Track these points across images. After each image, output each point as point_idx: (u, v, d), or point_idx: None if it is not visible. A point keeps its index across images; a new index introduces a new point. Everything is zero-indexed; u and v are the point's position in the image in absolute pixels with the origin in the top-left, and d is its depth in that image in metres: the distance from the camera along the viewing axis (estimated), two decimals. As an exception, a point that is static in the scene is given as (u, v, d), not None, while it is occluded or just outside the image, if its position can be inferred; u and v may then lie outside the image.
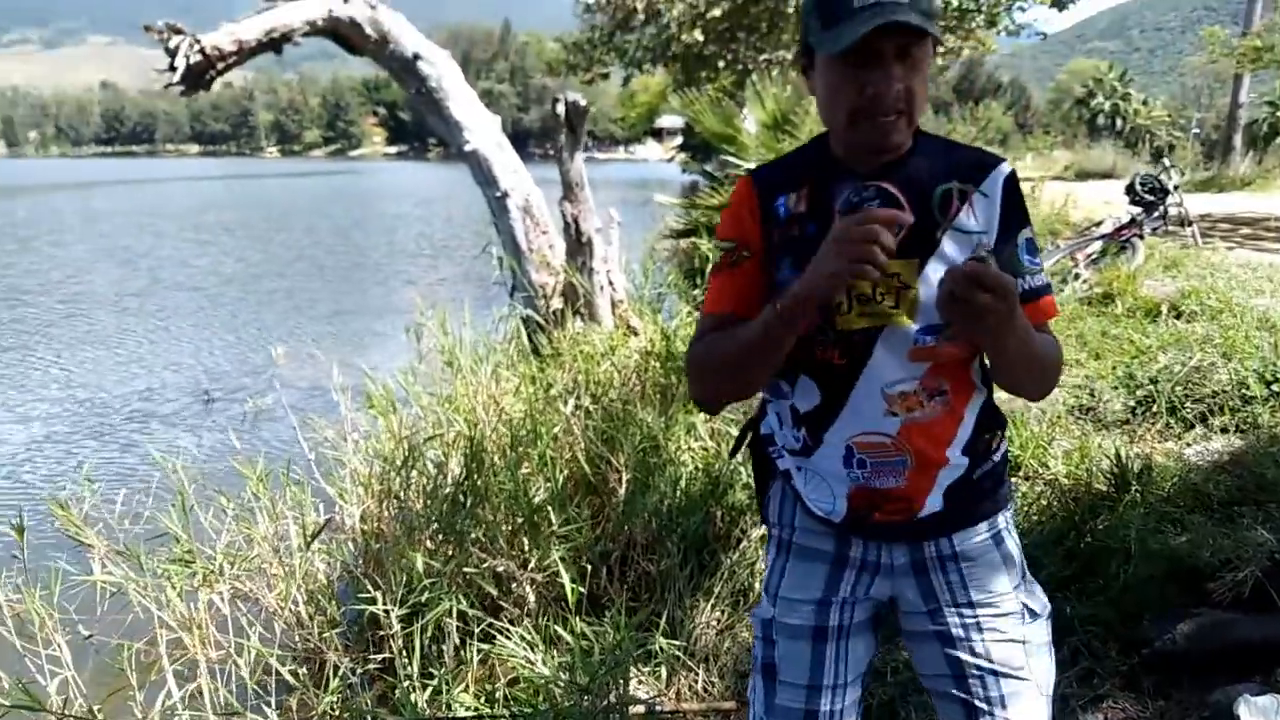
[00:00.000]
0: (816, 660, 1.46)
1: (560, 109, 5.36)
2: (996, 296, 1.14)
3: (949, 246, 1.30)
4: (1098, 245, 7.95)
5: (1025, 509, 3.58)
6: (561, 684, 2.46)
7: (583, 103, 5.39)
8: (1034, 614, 1.47)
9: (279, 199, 38.05)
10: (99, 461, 5.81)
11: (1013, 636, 1.43)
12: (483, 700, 2.62)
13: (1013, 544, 1.48)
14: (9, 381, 8.14)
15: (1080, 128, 45.43)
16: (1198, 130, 38.60)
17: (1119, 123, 44.25)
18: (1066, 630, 2.74)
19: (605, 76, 15.66)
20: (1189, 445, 4.09)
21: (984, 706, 1.41)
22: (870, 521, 1.40)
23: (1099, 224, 8.63)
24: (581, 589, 3.02)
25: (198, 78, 5.18)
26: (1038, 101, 73.08)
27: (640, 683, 2.69)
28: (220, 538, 3.60)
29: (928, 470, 1.37)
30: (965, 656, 1.42)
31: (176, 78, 4.96)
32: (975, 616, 1.43)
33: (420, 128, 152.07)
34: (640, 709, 2.48)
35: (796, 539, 1.51)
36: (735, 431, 3.80)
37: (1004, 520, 1.48)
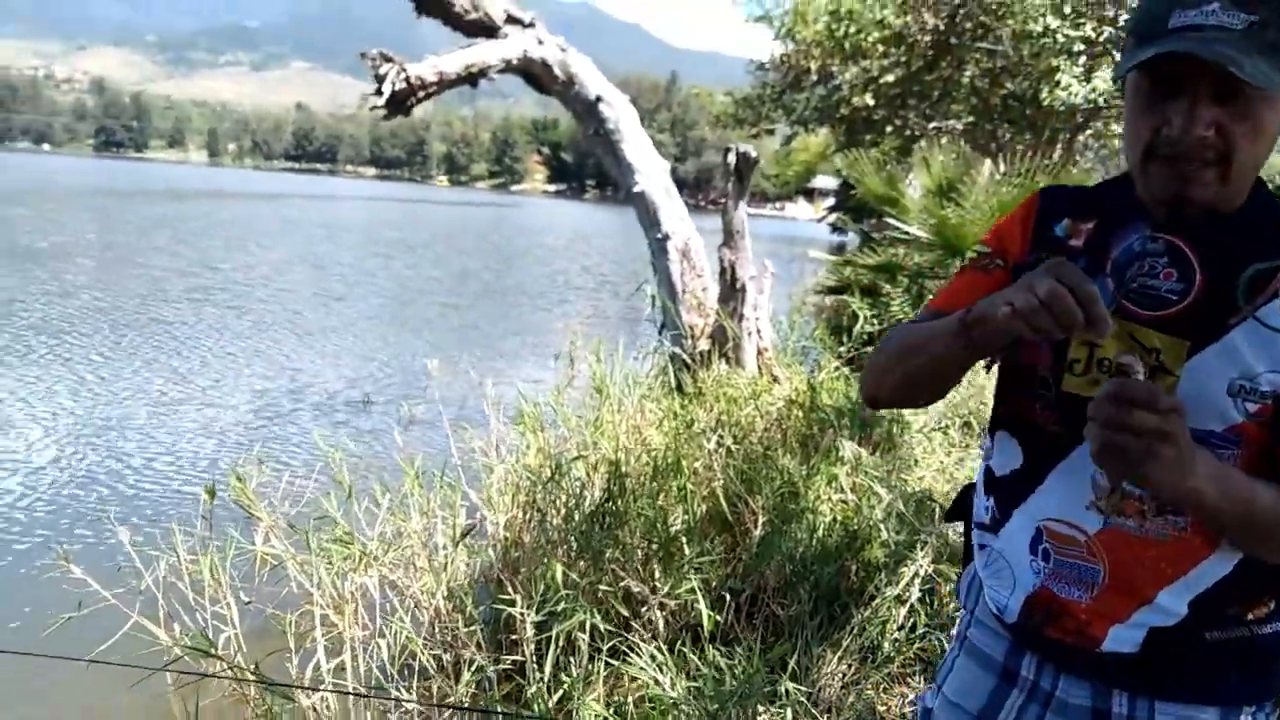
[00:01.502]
0: None
1: (731, 158, 5.52)
2: (1152, 427, 0.87)
3: (1240, 340, 1.00)
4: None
5: None
6: (689, 708, 2.51)
7: (753, 154, 5.53)
8: None
9: (450, 224, 40.20)
10: (267, 446, 6.27)
11: None
12: (612, 712, 2.69)
13: None
14: (203, 368, 8.92)
15: None
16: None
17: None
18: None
19: (770, 133, 15.90)
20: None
21: None
22: (1043, 635, 1.14)
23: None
24: (717, 617, 3.07)
25: (400, 103, 5.61)
26: None
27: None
28: (374, 527, 3.85)
29: (1124, 598, 1.08)
30: None
31: (382, 101, 5.39)
32: None
33: (580, 169, 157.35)
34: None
35: (972, 633, 1.28)
36: (880, 489, 3.78)
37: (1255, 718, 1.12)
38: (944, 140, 10.57)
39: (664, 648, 2.92)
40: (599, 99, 6.16)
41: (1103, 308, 0.89)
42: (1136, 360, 0.94)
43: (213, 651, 2.85)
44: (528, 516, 3.90)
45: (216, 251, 20.23)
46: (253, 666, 3.10)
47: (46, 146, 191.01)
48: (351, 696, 2.89)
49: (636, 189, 6.32)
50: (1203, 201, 1.02)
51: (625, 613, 3.26)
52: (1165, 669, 1.08)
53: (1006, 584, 1.17)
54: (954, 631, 1.34)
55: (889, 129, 14.49)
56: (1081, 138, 14.49)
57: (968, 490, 1.36)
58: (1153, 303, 1.03)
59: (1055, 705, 1.15)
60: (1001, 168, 9.20)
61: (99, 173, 71.87)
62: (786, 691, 2.82)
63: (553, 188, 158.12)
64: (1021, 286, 0.94)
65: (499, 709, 2.68)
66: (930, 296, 1.29)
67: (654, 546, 3.52)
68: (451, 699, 2.94)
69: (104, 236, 22.24)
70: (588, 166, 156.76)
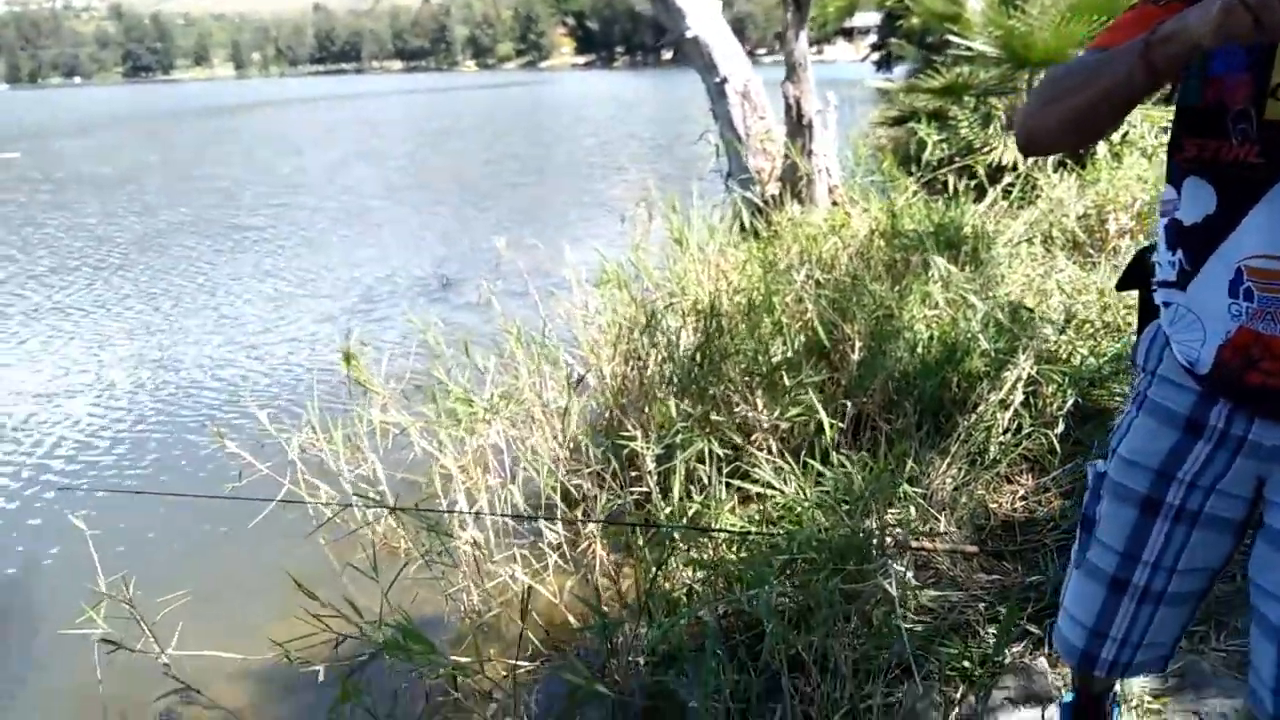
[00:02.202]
0: (1139, 531, 1.27)
1: (787, -13, 5.32)
2: None
3: None
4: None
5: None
6: (823, 509, 2.66)
7: (810, -21, 5.32)
8: None
9: (488, 108, 39.81)
10: (365, 329, 6.51)
11: None
12: (746, 522, 2.86)
13: None
14: (292, 268, 9.24)
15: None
16: None
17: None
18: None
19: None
20: None
21: None
22: (1243, 382, 1.12)
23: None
24: (839, 424, 3.20)
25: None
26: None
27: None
28: (484, 390, 4.03)
29: None
30: None
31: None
32: None
33: (608, 37, 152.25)
34: (891, 538, 2.64)
35: (1152, 391, 1.27)
36: (975, 300, 3.81)
37: None
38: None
39: (789, 458, 3.06)
40: (642, -57, 5.94)
41: None
42: None
43: (380, 502, 3.10)
44: (629, 365, 4.03)
45: (273, 160, 20.69)
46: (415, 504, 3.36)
47: (78, 79, 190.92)
48: (500, 530, 3.12)
49: (689, 34, 6.16)
50: None
51: (738, 440, 3.40)
52: None
53: (1197, 336, 1.15)
54: (1130, 396, 1.32)
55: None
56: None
57: (1141, 255, 1.36)
58: None
59: (1248, 449, 1.17)
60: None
61: (135, 99, 72.04)
62: (905, 494, 2.95)
63: (582, 59, 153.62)
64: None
65: (659, 522, 2.86)
66: (1090, 40, 1.24)
67: (756, 378, 3.63)
68: (590, 527, 3.15)
69: (165, 156, 22.71)
70: (615, 33, 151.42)
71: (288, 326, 7.09)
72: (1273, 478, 1.18)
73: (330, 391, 4.62)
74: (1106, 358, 3.63)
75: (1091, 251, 5.28)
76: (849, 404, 3.52)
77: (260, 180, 16.94)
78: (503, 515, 3.07)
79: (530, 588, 2.76)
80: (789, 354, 3.76)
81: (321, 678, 2.65)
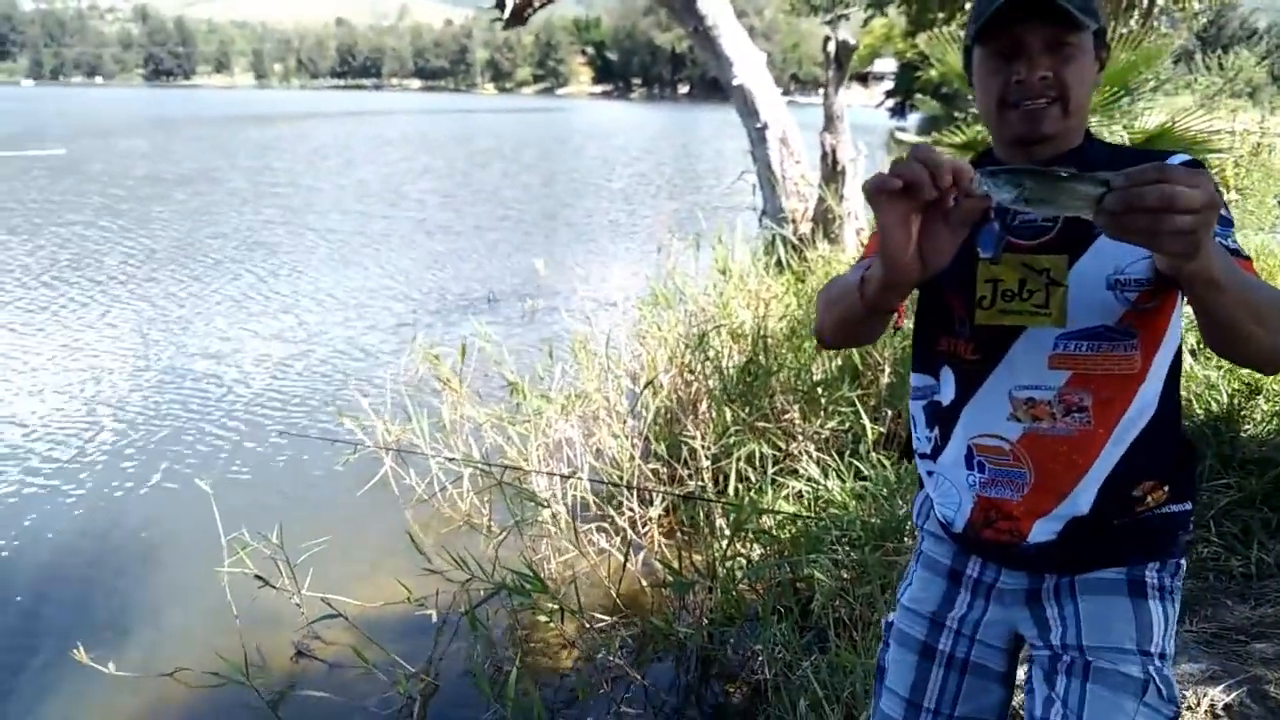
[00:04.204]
0: (920, 677, 1.41)
1: (830, 47, 5.88)
2: (1186, 197, 0.87)
3: (1106, 241, 1.10)
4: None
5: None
6: (862, 500, 3.15)
7: (852, 41, 5.89)
8: (1157, 698, 1.22)
9: (517, 131, 40.65)
10: (432, 336, 7.01)
11: (1118, 705, 1.21)
12: (798, 509, 3.35)
13: (1158, 609, 1.28)
14: (350, 282, 9.79)
15: (1357, 81, 40.48)
16: None
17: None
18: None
19: (846, 18, 15.84)
20: None
21: None
22: (982, 538, 1.31)
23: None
24: (880, 428, 3.68)
25: (518, 14, 6.07)
26: (1305, 49, 65.05)
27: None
28: (554, 389, 4.53)
29: (1048, 494, 1.25)
30: (1055, 708, 1.24)
31: (506, 14, 5.85)
32: (1077, 660, 1.26)
33: (626, 68, 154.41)
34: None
35: (925, 545, 1.47)
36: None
37: (1154, 576, 1.29)
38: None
39: (832, 456, 3.56)
40: (697, -3, 6.52)
41: (950, 171, 0.99)
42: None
43: (476, 461, 3.58)
44: (683, 377, 4.53)
45: (331, 170, 21.57)
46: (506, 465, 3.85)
47: (99, 79, 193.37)
48: (576, 510, 3.60)
49: (736, 81, 6.73)
50: (1052, 132, 1.22)
51: (782, 445, 3.89)
52: (1081, 550, 1.26)
53: (952, 500, 1.33)
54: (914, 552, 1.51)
55: (968, 4, 14.29)
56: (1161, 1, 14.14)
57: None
58: (1033, 233, 1.23)
59: (996, 594, 1.35)
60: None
61: (160, 102, 73.06)
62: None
63: (599, 89, 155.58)
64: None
65: (730, 500, 3.34)
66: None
67: (799, 393, 4.13)
68: (652, 513, 3.64)
69: (229, 161, 23.49)
70: (633, 64, 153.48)
71: (357, 332, 7.59)
72: (1022, 624, 1.35)
73: (408, 390, 5.12)
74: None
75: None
76: (887, 411, 4.02)
77: (321, 189, 17.96)
78: (599, 482, 3.55)
79: (622, 552, 3.25)
80: (828, 375, 4.28)
81: (434, 619, 3.13)
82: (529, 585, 2.68)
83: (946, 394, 1.32)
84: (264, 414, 5.64)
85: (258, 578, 3.09)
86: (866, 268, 1.15)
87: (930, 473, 1.38)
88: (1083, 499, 1.24)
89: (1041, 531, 1.25)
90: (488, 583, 2.83)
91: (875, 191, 1.00)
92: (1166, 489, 1.27)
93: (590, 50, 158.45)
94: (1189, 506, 1.31)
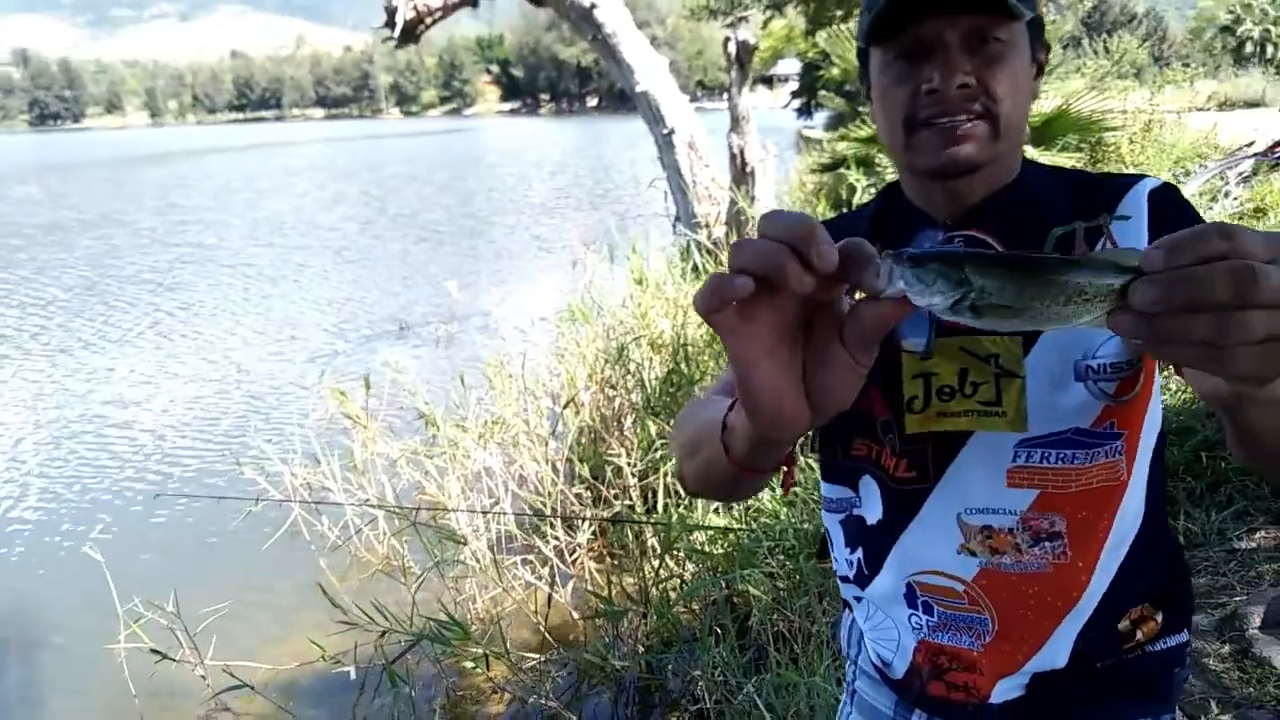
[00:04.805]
0: None
1: (731, 47, 5.84)
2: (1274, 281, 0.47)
3: None
4: (1249, 164, 7.94)
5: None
6: (793, 507, 3.05)
7: (751, 41, 5.85)
8: None
9: (424, 155, 40.16)
10: (333, 374, 6.74)
11: None
12: (725, 522, 3.23)
13: None
14: (265, 318, 9.41)
15: (1225, 57, 42.89)
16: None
17: (1270, 49, 41.59)
18: (1224, 478, 3.17)
19: (745, 20, 15.96)
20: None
21: None
22: (929, 693, 1.01)
23: (1250, 144, 8.57)
24: (805, 436, 3.58)
25: (410, 32, 5.88)
26: (1176, 32, 68.63)
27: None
28: (470, 417, 4.34)
29: (1016, 645, 0.96)
30: None
31: (396, 33, 5.66)
32: None
33: (532, 84, 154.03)
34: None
35: (859, 685, 1.15)
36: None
37: None
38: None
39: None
40: (593, 5, 6.42)
41: (815, 241, 0.52)
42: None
43: (389, 504, 3.38)
44: (604, 393, 4.40)
45: (232, 206, 20.92)
46: (401, 544, 3.64)
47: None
48: (501, 542, 3.42)
49: (639, 88, 6.63)
50: (981, 160, 0.90)
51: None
52: (1055, 710, 0.98)
53: (889, 638, 1.04)
54: (845, 681, 1.21)
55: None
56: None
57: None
58: None
59: None
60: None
61: (49, 147, 70.33)
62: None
63: (506, 106, 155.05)
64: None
65: (660, 520, 3.20)
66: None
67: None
68: (580, 538, 3.49)
69: (133, 203, 22.59)
70: (540, 80, 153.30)
71: (263, 372, 7.28)
72: None
73: (315, 428, 4.87)
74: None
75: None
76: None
77: (232, 224, 17.38)
78: (521, 514, 3.38)
79: (550, 584, 3.09)
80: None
81: (353, 675, 2.92)
82: (449, 632, 2.49)
83: (871, 511, 1.01)
84: (167, 468, 5.33)
85: (154, 651, 2.83)
86: (731, 406, 0.76)
87: (859, 598, 1.07)
88: (1059, 649, 0.95)
89: (1006, 689, 0.96)
90: (406, 633, 2.64)
91: (710, 308, 0.55)
92: (1159, 616, 0.98)
93: (495, 68, 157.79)
94: (1186, 637, 1.02)
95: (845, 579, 1.08)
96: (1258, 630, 2.40)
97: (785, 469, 0.81)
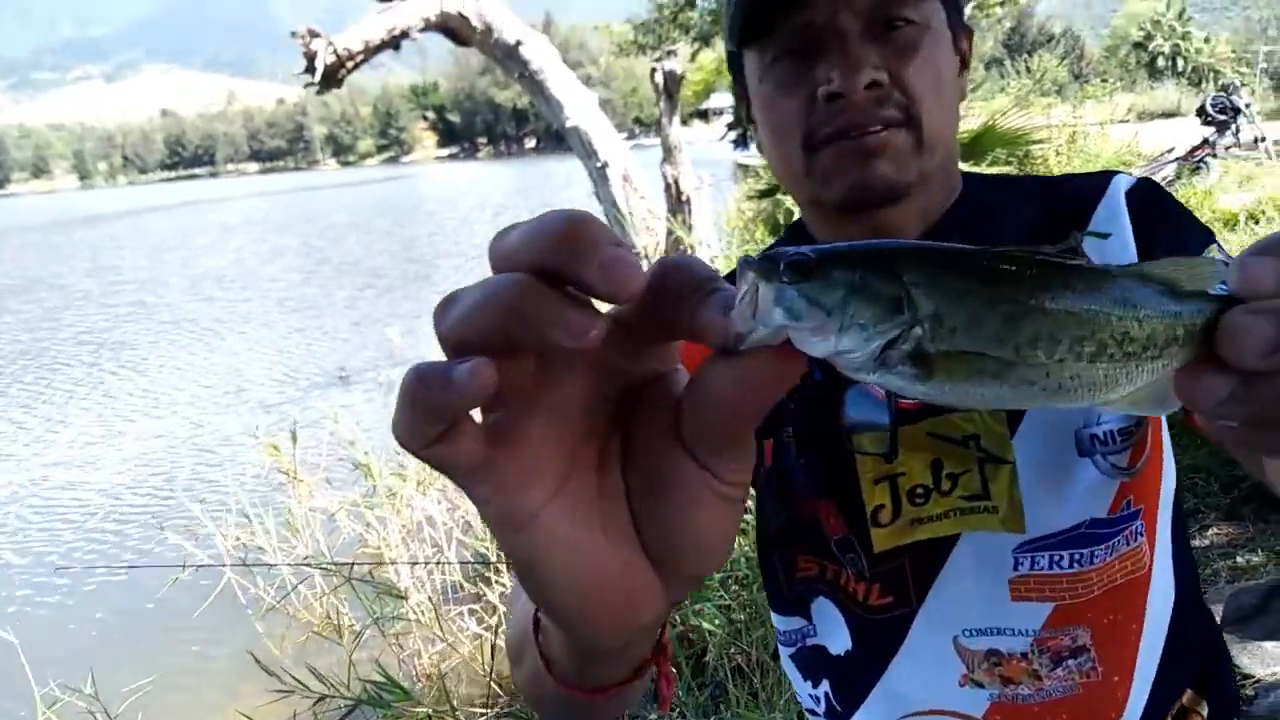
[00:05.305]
0: None
1: (658, 78, 5.84)
2: None
3: None
4: (1172, 168, 8.19)
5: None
6: (748, 534, 2.96)
7: (678, 71, 5.86)
8: None
9: (361, 205, 40.03)
10: (270, 427, 6.54)
11: None
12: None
13: None
14: (205, 373, 9.14)
15: (1140, 72, 44.84)
16: (1264, 64, 37.65)
17: (1180, 63, 43.64)
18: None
19: (673, 54, 16.15)
20: None
21: None
22: None
23: (1170, 150, 8.86)
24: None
25: (331, 77, 5.79)
26: (1092, 49, 71.56)
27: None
28: (411, 464, 4.19)
29: None
30: None
31: (317, 78, 5.56)
32: None
33: (469, 129, 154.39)
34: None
35: None
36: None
37: None
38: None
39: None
40: (519, 43, 6.39)
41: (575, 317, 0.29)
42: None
43: (324, 562, 3.21)
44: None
45: (169, 263, 20.57)
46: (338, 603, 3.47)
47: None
48: (446, 594, 3.28)
49: (570, 123, 6.60)
50: (901, 179, 0.71)
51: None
52: None
53: None
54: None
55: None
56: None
57: None
58: None
59: None
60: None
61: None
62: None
63: (444, 152, 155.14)
64: None
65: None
66: None
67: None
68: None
69: (55, 267, 22.09)
70: (477, 124, 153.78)
71: (210, 426, 7.08)
72: None
73: (250, 484, 4.68)
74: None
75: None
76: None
77: (170, 281, 17.05)
78: (466, 563, 3.24)
79: (484, 639, 2.94)
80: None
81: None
82: (389, 694, 2.35)
83: (834, 640, 0.82)
84: (89, 538, 5.08)
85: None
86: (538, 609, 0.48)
87: None
88: None
89: None
90: (345, 697, 2.48)
91: (428, 438, 0.30)
92: (1205, 705, 0.80)
93: (431, 114, 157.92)
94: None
95: (813, 713, 0.88)
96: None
97: (655, 674, 0.49)
